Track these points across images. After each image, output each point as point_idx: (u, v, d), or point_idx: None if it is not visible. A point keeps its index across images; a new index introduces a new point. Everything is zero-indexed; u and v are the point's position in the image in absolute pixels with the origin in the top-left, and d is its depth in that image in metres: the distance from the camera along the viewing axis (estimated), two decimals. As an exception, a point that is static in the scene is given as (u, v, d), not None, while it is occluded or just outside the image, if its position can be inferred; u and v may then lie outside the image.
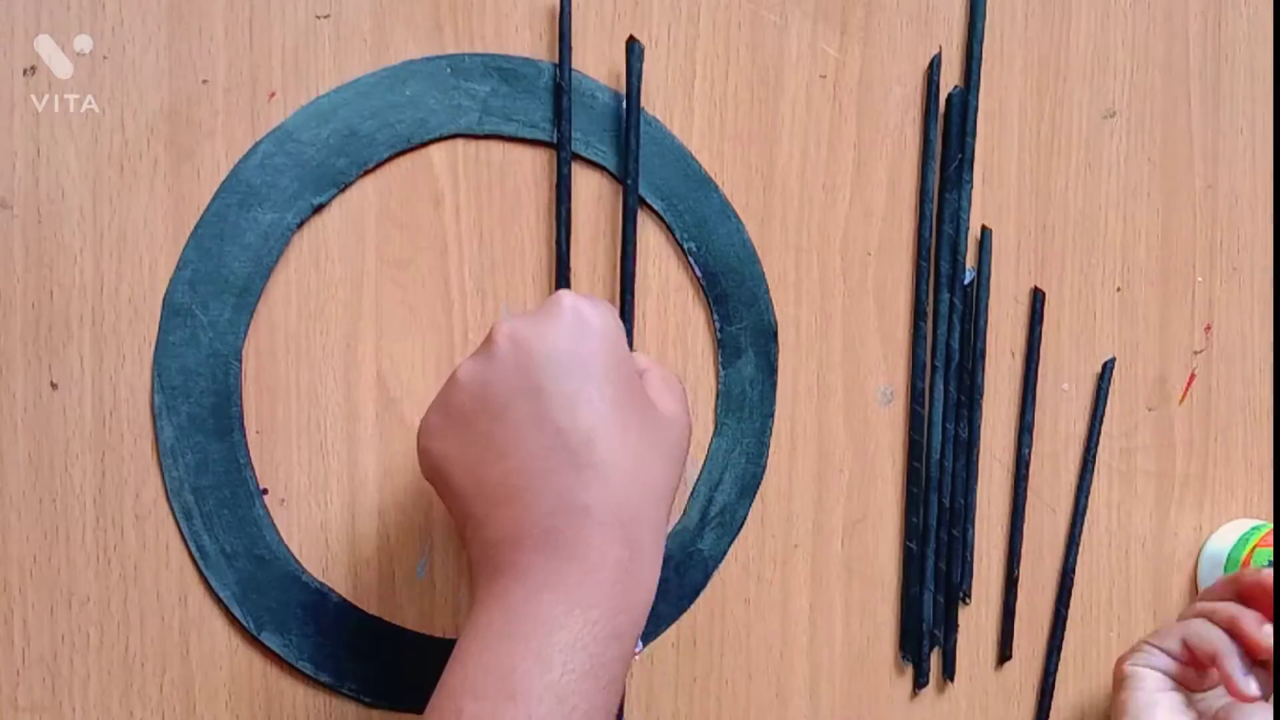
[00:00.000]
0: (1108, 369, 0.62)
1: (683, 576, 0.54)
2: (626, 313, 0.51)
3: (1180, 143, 0.64)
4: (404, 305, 0.49)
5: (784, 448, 0.56)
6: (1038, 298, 0.60)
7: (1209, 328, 0.65)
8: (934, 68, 0.57)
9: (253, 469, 0.47)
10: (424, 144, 0.49)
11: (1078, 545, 0.62)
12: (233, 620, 0.47)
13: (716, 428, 0.54)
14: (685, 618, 0.54)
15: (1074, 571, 0.62)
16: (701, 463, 0.54)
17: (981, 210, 0.59)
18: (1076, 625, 0.62)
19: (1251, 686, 0.49)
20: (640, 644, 0.49)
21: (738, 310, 0.54)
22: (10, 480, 0.44)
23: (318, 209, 0.48)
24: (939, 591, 0.58)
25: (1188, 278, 0.65)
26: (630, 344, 0.50)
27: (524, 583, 0.38)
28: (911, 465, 0.58)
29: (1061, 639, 0.62)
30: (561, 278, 0.51)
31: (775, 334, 0.55)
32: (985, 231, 0.59)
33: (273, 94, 0.47)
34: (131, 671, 0.46)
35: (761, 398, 0.55)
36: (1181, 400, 0.65)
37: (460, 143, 0.50)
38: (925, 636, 0.58)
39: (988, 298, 0.59)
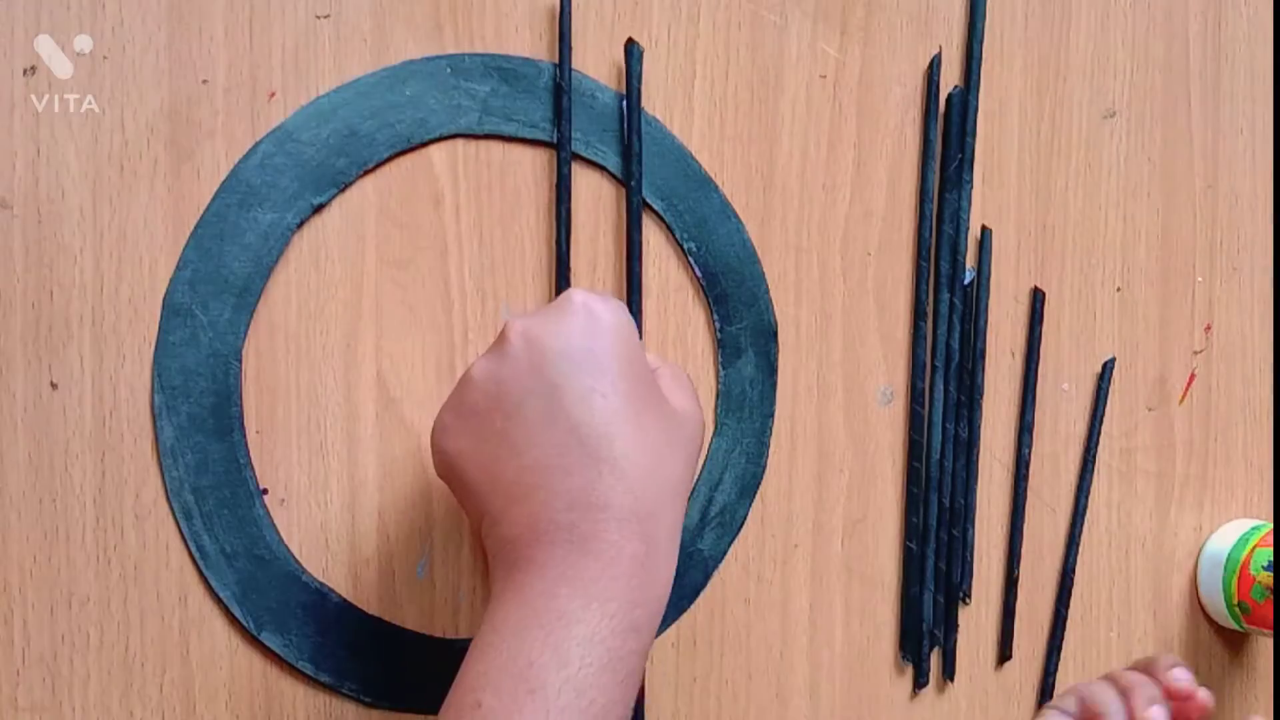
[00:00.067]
0: (1108, 369, 0.62)
1: (683, 576, 0.54)
2: (633, 314, 0.51)
3: (1180, 143, 0.64)
4: (404, 305, 0.49)
5: (784, 448, 0.56)
6: (1038, 298, 0.60)
7: (1209, 328, 0.65)
8: (934, 68, 0.57)
9: (253, 469, 0.47)
10: (424, 144, 0.49)
11: (1078, 545, 0.62)
12: (233, 620, 0.47)
13: (716, 428, 0.54)
14: (685, 618, 0.54)
15: (1074, 571, 0.62)
16: (701, 463, 0.54)
17: (981, 210, 0.59)
18: (1076, 625, 0.62)
19: None
20: None
21: (738, 310, 0.54)
22: (10, 480, 0.44)
23: (318, 209, 0.48)
24: (939, 591, 0.58)
25: (1188, 278, 0.65)
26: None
27: (541, 577, 0.38)
28: (911, 465, 0.58)
29: (1061, 639, 0.62)
30: (561, 278, 0.51)
31: (775, 334, 0.55)
32: (985, 231, 0.59)
33: (273, 94, 0.47)
34: (131, 671, 0.46)
35: (761, 398, 0.55)
36: (1181, 400, 0.65)
37: (460, 143, 0.50)
38: (925, 636, 0.58)
39: (988, 298, 0.59)
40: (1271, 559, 0.62)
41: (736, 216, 0.54)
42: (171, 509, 0.46)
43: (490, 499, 0.40)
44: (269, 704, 0.48)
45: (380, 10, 0.48)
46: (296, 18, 0.47)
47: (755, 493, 0.55)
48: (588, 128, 0.51)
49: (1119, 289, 0.63)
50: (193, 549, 0.46)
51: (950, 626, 0.59)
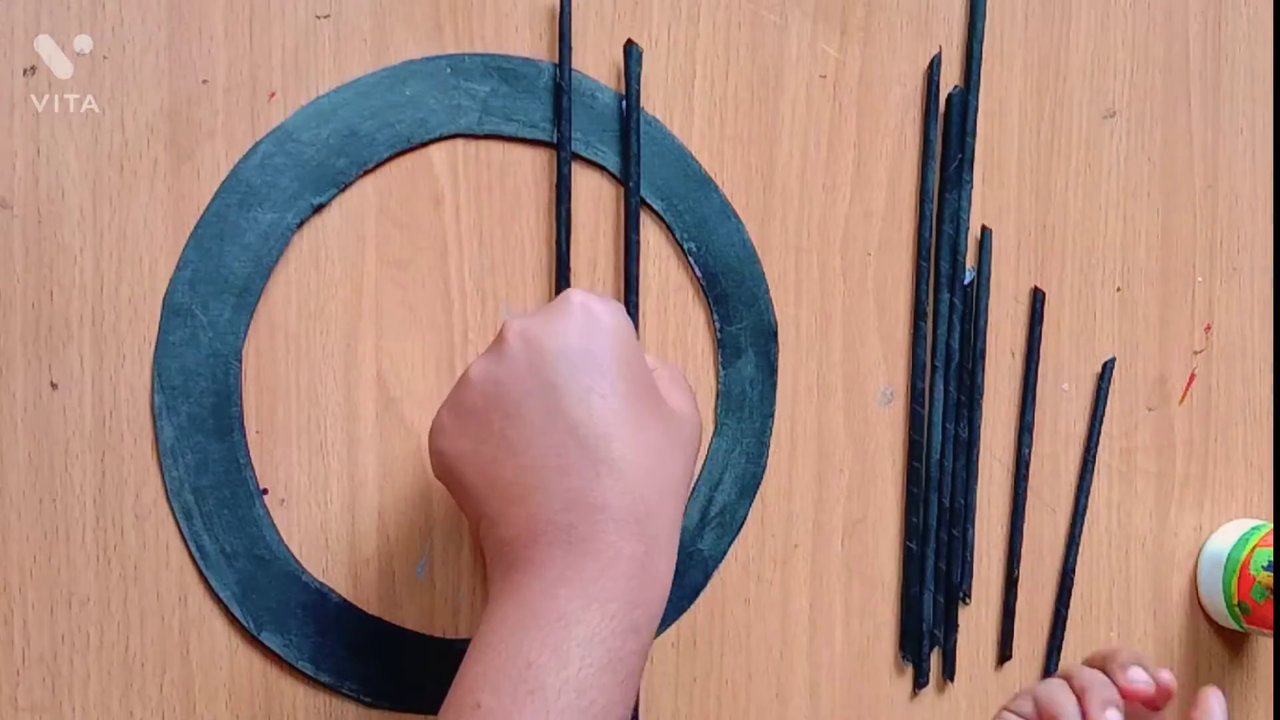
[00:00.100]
0: (1108, 369, 0.62)
1: (682, 576, 0.54)
2: (630, 315, 0.51)
3: (1180, 143, 0.64)
4: (404, 305, 0.49)
5: (784, 448, 0.56)
6: (1038, 298, 0.60)
7: (1209, 328, 0.65)
8: (934, 68, 0.57)
9: (253, 469, 0.47)
10: (424, 144, 0.49)
11: (1078, 545, 0.62)
12: (233, 620, 0.47)
13: (716, 428, 0.54)
14: (685, 618, 0.54)
15: (1074, 571, 0.62)
16: (701, 463, 0.54)
17: (981, 210, 0.59)
18: (1076, 625, 0.62)
19: None
20: None
21: (738, 310, 0.54)
22: (10, 480, 0.44)
23: (318, 209, 0.48)
24: (939, 591, 0.58)
25: (1188, 278, 0.65)
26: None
27: (540, 578, 0.38)
28: (911, 465, 0.58)
29: (1061, 639, 0.62)
30: (561, 278, 0.51)
31: (775, 334, 0.55)
32: (985, 231, 0.59)
33: (273, 94, 0.47)
34: (131, 671, 0.46)
35: (761, 398, 0.55)
36: (1181, 400, 0.65)
37: (460, 143, 0.50)
38: (925, 636, 0.58)
39: (988, 298, 0.59)
40: (1271, 559, 0.62)
41: (736, 216, 0.54)
42: (171, 509, 0.46)
43: (488, 500, 0.40)
44: (269, 704, 0.48)
45: (380, 10, 0.48)
46: (296, 18, 0.47)
47: (755, 493, 0.55)
48: (588, 128, 0.51)
49: (1119, 289, 0.63)
50: (193, 549, 0.46)
51: (950, 626, 0.59)
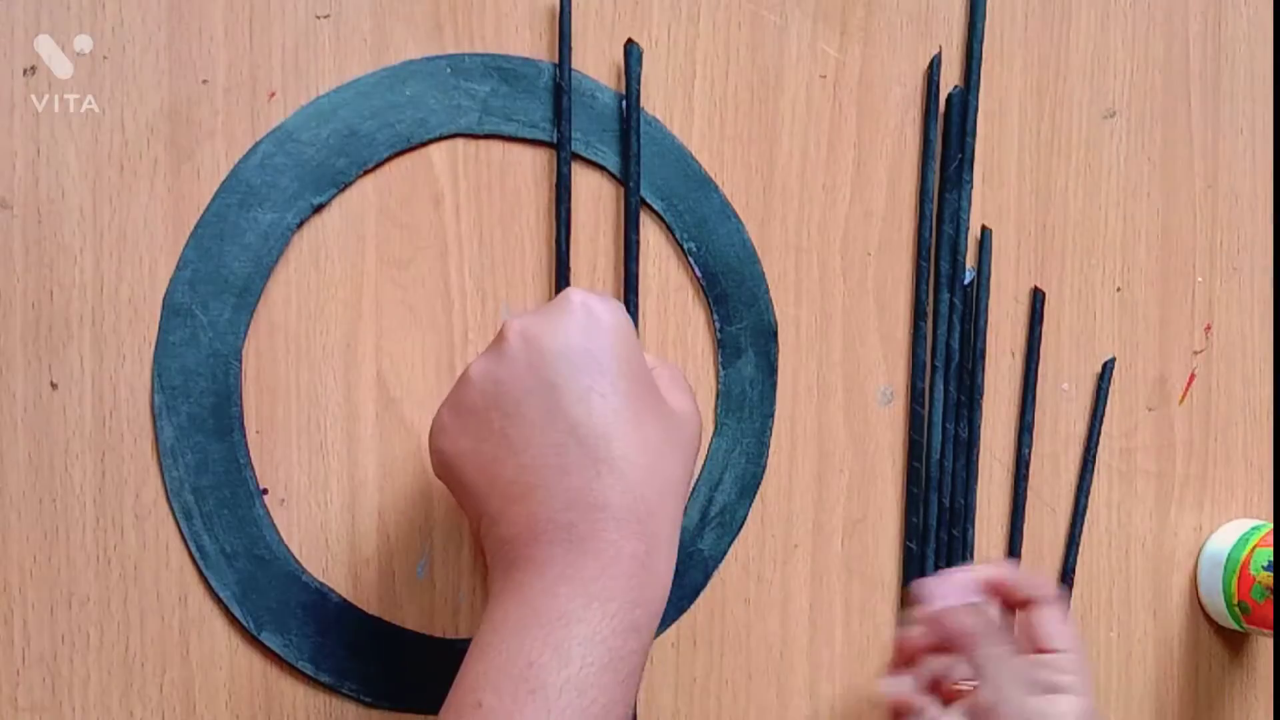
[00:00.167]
0: (1108, 369, 0.62)
1: (683, 576, 0.54)
2: (630, 315, 0.51)
3: (1180, 143, 0.64)
4: (404, 305, 0.49)
5: (784, 448, 0.56)
6: (1038, 298, 0.60)
7: (1209, 328, 0.65)
8: (934, 68, 0.57)
9: (253, 469, 0.47)
10: (424, 144, 0.49)
11: (1078, 545, 0.62)
12: (233, 620, 0.47)
13: (716, 428, 0.54)
14: (685, 618, 0.54)
15: (1074, 571, 0.62)
16: (701, 462, 0.54)
17: (981, 210, 0.59)
18: (1076, 625, 0.62)
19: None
20: None
21: (738, 310, 0.54)
22: (10, 480, 0.44)
23: (318, 209, 0.48)
24: (939, 591, 0.58)
25: (1188, 278, 0.65)
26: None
27: (541, 576, 0.38)
28: (911, 465, 0.58)
29: (1061, 639, 0.62)
30: (561, 278, 0.51)
31: (775, 334, 0.55)
32: (985, 231, 0.59)
33: (273, 94, 0.47)
34: (131, 671, 0.46)
35: (761, 398, 0.55)
36: (1181, 400, 0.65)
37: (460, 143, 0.50)
38: (925, 636, 0.58)
39: (988, 298, 0.59)
40: (1271, 559, 0.62)
41: (736, 216, 0.54)
42: (171, 509, 0.46)
43: (488, 499, 0.40)
44: (269, 704, 0.48)
45: (380, 10, 0.48)
46: (296, 18, 0.47)
47: (755, 493, 0.55)
48: (588, 128, 0.51)
49: (1119, 289, 0.63)
50: (193, 549, 0.46)
51: (950, 626, 0.59)
